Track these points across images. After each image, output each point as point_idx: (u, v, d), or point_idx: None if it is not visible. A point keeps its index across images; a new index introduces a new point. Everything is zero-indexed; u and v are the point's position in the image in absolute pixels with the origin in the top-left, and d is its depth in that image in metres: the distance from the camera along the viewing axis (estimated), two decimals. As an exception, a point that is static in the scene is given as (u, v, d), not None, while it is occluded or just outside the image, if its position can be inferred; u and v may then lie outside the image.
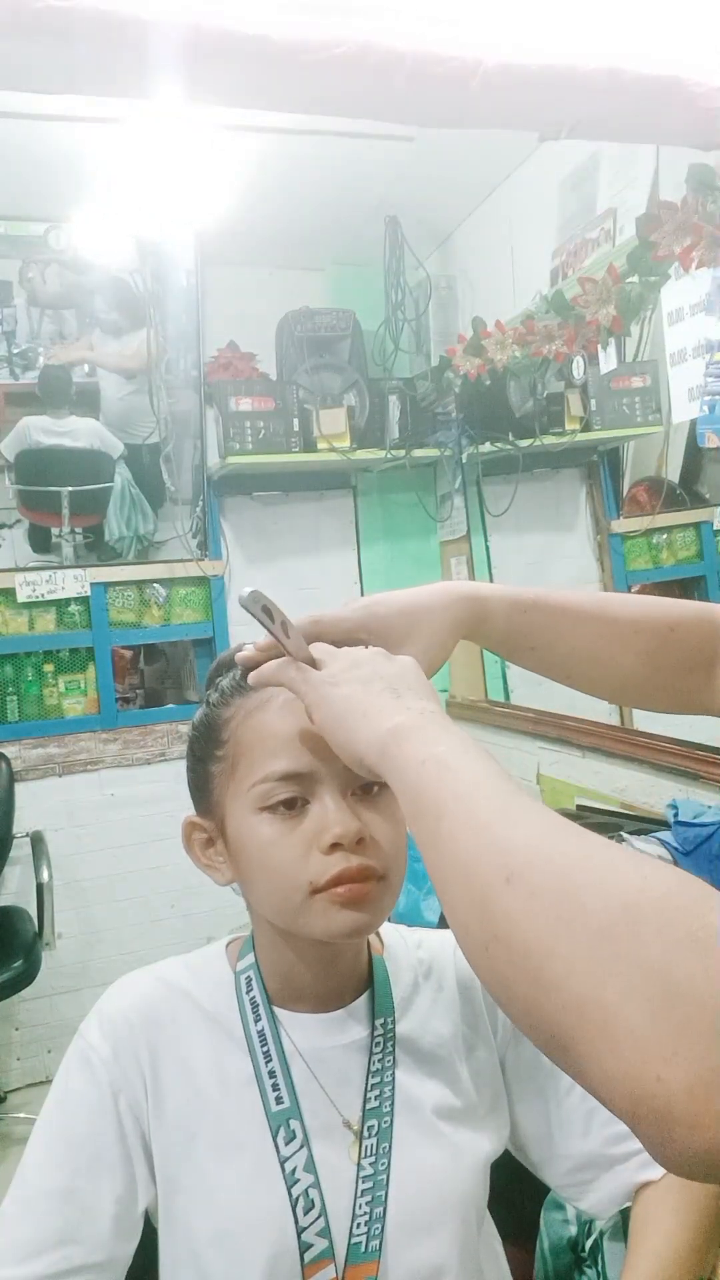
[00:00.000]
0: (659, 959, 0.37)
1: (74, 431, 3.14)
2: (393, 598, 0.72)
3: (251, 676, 0.67)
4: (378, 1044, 0.76)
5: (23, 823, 2.85)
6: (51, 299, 3.10)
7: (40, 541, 3.23)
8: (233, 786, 0.72)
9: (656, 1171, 0.76)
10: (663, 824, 1.81)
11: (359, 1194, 0.71)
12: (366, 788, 0.70)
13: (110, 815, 2.99)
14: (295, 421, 2.92)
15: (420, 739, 0.54)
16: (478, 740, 0.54)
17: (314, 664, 0.64)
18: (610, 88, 1.45)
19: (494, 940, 0.43)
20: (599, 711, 2.60)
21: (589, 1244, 1.09)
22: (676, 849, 1.70)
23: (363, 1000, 0.78)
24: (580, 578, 3.04)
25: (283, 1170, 0.70)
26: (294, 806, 0.69)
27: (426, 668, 0.70)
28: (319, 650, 0.64)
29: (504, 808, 0.47)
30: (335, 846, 0.67)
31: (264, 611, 0.62)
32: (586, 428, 2.77)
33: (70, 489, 3.09)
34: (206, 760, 0.75)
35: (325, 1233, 0.69)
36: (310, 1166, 0.70)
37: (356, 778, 0.68)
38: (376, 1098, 0.74)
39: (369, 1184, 0.71)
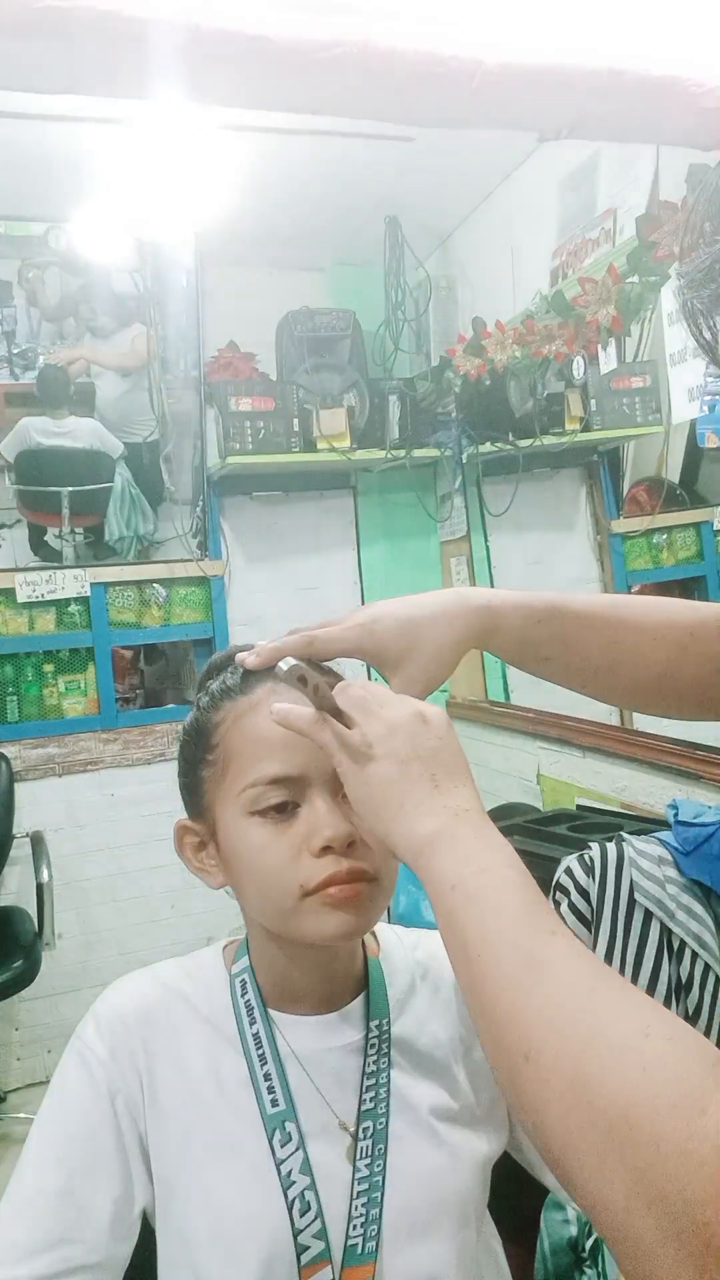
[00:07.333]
0: (655, 1172, 0.38)
1: (73, 432, 3.14)
2: (393, 612, 0.69)
3: (281, 721, 0.65)
4: (373, 1046, 0.76)
5: (23, 823, 2.86)
6: (51, 312, 3.11)
7: (39, 542, 3.23)
8: (223, 790, 0.72)
9: None
10: (663, 824, 1.81)
11: (355, 1196, 0.70)
12: None
13: (110, 815, 2.99)
14: (295, 421, 2.92)
15: (452, 855, 0.54)
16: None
17: (342, 717, 0.62)
18: (610, 88, 1.45)
19: (520, 1109, 0.46)
20: (599, 711, 2.60)
21: (589, 1244, 1.09)
22: (676, 849, 1.69)
23: (358, 1002, 0.78)
24: (580, 578, 3.04)
25: (279, 1172, 0.70)
26: (285, 810, 0.69)
27: (426, 686, 0.69)
28: (351, 704, 0.62)
29: (528, 962, 0.48)
30: (326, 850, 0.67)
31: (300, 681, 0.64)
32: (586, 428, 2.77)
33: (70, 489, 3.09)
34: (197, 764, 0.75)
35: (322, 1234, 0.69)
36: (306, 1168, 0.70)
37: None
38: (372, 1099, 0.74)
39: (365, 1185, 0.71)
